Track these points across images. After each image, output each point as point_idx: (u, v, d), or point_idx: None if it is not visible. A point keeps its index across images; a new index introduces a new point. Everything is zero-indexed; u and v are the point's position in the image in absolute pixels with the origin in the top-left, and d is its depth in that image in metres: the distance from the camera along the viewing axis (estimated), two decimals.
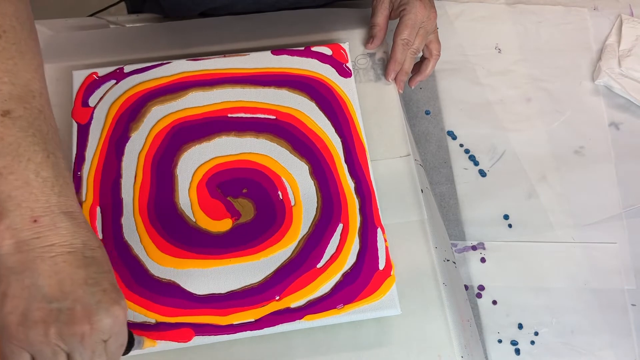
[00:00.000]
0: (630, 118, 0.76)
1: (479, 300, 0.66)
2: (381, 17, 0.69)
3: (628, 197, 0.71)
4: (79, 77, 0.66)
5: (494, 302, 0.66)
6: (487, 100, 0.75)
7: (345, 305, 0.57)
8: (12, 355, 0.41)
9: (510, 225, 0.69)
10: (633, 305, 0.66)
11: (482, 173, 0.72)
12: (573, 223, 0.69)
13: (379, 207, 0.61)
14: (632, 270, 0.68)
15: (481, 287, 0.66)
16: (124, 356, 0.47)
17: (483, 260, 0.67)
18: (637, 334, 0.65)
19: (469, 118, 0.74)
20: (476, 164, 0.72)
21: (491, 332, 0.64)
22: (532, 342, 0.64)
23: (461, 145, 0.73)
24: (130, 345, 0.49)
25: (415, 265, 0.62)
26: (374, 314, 0.58)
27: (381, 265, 0.59)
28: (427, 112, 0.74)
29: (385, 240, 0.60)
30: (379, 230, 0.60)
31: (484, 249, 0.68)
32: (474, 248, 0.68)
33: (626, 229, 0.70)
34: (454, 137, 0.73)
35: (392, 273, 0.59)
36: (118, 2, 1.01)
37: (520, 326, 0.65)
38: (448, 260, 0.64)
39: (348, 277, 0.58)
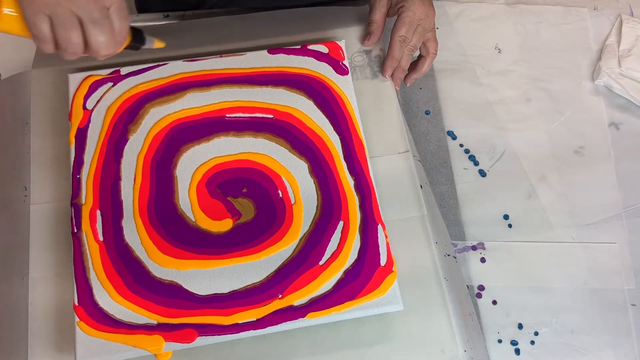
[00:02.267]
0: (630, 118, 0.76)
1: (479, 300, 0.66)
2: (379, 14, 0.69)
3: (628, 197, 0.71)
4: (75, 80, 0.65)
5: (494, 302, 0.66)
6: (487, 100, 0.75)
7: (348, 303, 0.58)
8: (34, 18, 0.49)
9: (510, 225, 0.69)
10: (633, 305, 0.66)
11: (482, 173, 0.72)
12: (573, 223, 0.69)
13: (379, 203, 0.62)
14: (632, 270, 0.68)
15: (481, 287, 0.66)
16: (137, 50, 0.58)
17: (483, 260, 0.67)
18: (637, 334, 0.65)
19: (468, 118, 0.74)
20: (476, 164, 0.72)
21: (491, 332, 0.64)
22: (532, 342, 0.64)
23: (461, 145, 0.73)
24: (139, 40, 0.58)
25: (416, 260, 0.62)
26: (376, 311, 0.58)
27: (383, 262, 0.59)
28: (427, 112, 0.74)
29: (386, 237, 0.60)
30: (379, 226, 0.60)
31: (484, 249, 0.68)
32: (474, 248, 0.68)
33: (626, 229, 0.70)
34: (454, 137, 0.73)
35: (393, 269, 0.59)
36: None
37: (520, 326, 0.65)
38: (449, 255, 0.64)
39: (350, 274, 0.58)
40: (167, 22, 0.76)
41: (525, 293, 0.66)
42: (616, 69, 0.77)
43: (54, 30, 0.50)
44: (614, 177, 0.72)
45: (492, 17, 0.80)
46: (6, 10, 0.50)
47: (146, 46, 0.59)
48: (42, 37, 0.50)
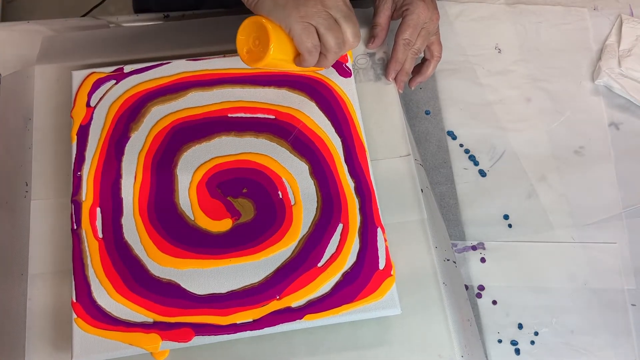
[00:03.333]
0: (630, 118, 0.76)
1: (479, 300, 0.66)
2: (383, 17, 0.69)
3: (628, 197, 0.71)
4: (79, 77, 0.66)
5: (494, 302, 0.66)
6: (487, 100, 0.75)
7: (345, 305, 0.57)
8: (304, 30, 0.56)
9: (510, 225, 0.69)
10: (633, 305, 0.66)
11: (482, 173, 0.72)
12: (573, 223, 0.69)
13: (379, 206, 0.61)
14: (632, 270, 0.68)
15: (481, 287, 0.66)
16: None
17: (483, 260, 0.67)
18: (637, 334, 0.65)
19: (469, 118, 0.74)
20: (476, 164, 0.72)
21: (491, 332, 0.64)
22: (532, 342, 0.64)
23: (461, 145, 0.73)
24: None
25: (415, 264, 0.62)
26: (374, 314, 0.58)
27: (381, 265, 0.59)
28: (427, 112, 0.74)
29: (385, 240, 0.60)
30: (379, 229, 0.60)
31: (484, 249, 0.68)
32: (474, 248, 0.68)
33: (626, 229, 0.70)
34: (454, 137, 0.73)
35: (392, 273, 0.59)
36: (102, 2, 1.00)
37: (520, 326, 0.65)
38: (448, 260, 0.64)
39: (348, 277, 0.58)
40: (170, 21, 0.76)
41: (525, 293, 0.66)
42: (616, 69, 0.77)
43: (321, 37, 0.57)
44: (614, 177, 0.72)
45: (492, 17, 0.80)
46: (272, 47, 0.55)
47: None
48: (314, 47, 0.57)
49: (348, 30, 0.57)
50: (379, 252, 0.59)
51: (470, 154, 0.72)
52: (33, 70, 0.68)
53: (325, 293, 0.58)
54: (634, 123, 0.76)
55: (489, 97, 0.76)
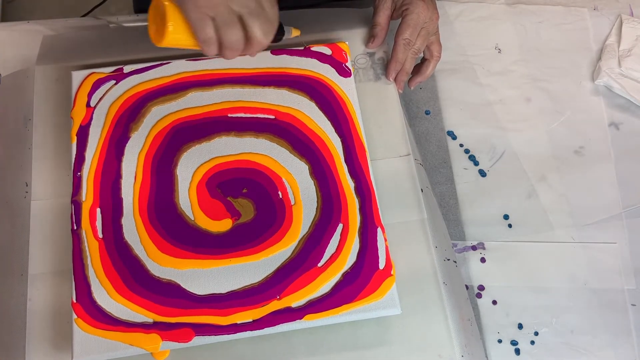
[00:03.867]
0: (630, 118, 0.76)
1: (479, 300, 0.66)
2: (383, 17, 0.69)
3: (628, 197, 0.71)
4: (78, 77, 0.66)
5: (494, 302, 0.66)
6: (487, 100, 0.75)
7: (346, 305, 0.57)
8: (201, 23, 0.51)
9: (510, 225, 0.69)
10: (633, 305, 0.66)
11: (482, 173, 0.72)
12: (573, 223, 0.69)
13: (379, 206, 0.61)
14: (632, 270, 0.68)
15: (481, 287, 0.66)
16: (275, 43, 0.57)
17: (483, 260, 0.67)
18: (637, 334, 0.65)
19: (469, 118, 0.74)
20: (476, 164, 0.72)
21: (491, 332, 0.64)
22: (532, 342, 0.64)
23: (461, 145, 0.73)
24: (280, 32, 0.57)
25: (415, 264, 0.62)
26: (374, 314, 0.58)
27: (381, 265, 0.59)
28: (427, 112, 0.74)
29: (385, 240, 0.60)
30: (379, 229, 0.60)
31: (484, 249, 0.68)
32: (474, 248, 0.68)
33: (626, 229, 0.70)
34: (454, 137, 0.73)
35: (392, 273, 0.59)
36: (102, 2, 1.00)
37: (520, 326, 0.65)
38: (448, 260, 0.64)
39: (348, 277, 0.58)
40: None
41: (525, 293, 0.66)
42: (616, 69, 0.77)
43: (218, 31, 0.52)
44: (614, 177, 0.72)
45: (492, 17, 0.80)
46: (170, 26, 0.52)
47: (286, 36, 0.60)
48: (208, 39, 0.52)
49: (254, 28, 0.53)
50: (379, 252, 0.59)
51: (470, 154, 0.72)
52: (33, 70, 0.68)
53: (325, 293, 0.58)
54: (634, 123, 0.76)
55: (489, 97, 0.76)
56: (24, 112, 0.67)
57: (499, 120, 0.74)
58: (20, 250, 0.61)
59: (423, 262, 0.62)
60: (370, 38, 0.70)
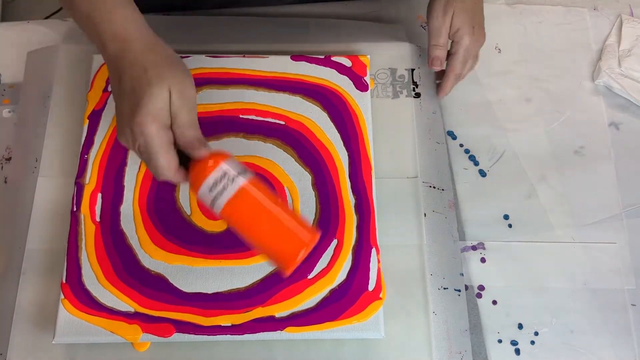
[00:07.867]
0: (630, 118, 0.76)
1: (479, 300, 0.66)
2: (443, 39, 0.68)
3: (628, 197, 0.71)
4: (99, 61, 0.66)
5: (494, 302, 0.66)
6: (487, 100, 0.75)
7: (329, 323, 0.57)
8: (119, 136, 0.51)
9: (510, 225, 0.69)
10: (633, 305, 0.66)
11: (482, 173, 0.72)
12: (573, 223, 0.69)
13: (377, 226, 0.61)
14: (632, 270, 0.68)
15: (481, 287, 0.66)
16: None
17: (483, 260, 0.67)
18: (637, 334, 0.65)
19: (468, 118, 0.74)
20: (476, 164, 0.72)
21: (491, 332, 0.64)
22: (532, 342, 0.64)
23: (461, 145, 0.73)
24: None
25: (406, 290, 0.61)
26: (356, 335, 0.57)
27: (371, 286, 0.58)
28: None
29: (379, 262, 0.59)
30: (373, 250, 0.60)
31: (484, 249, 0.68)
32: (474, 248, 0.68)
33: (626, 229, 0.70)
34: (454, 137, 0.73)
35: (381, 296, 0.58)
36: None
37: (520, 326, 0.65)
38: (446, 289, 0.63)
39: (335, 294, 0.58)
40: (182, 17, 0.76)
41: (525, 293, 0.66)
42: (616, 69, 0.77)
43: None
44: (614, 177, 0.72)
45: (492, 17, 0.80)
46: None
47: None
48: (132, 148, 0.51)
49: (149, 165, 0.50)
50: (370, 272, 0.59)
51: (470, 154, 0.72)
52: (59, 48, 0.69)
53: (310, 307, 0.57)
54: (634, 123, 0.76)
55: (489, 97, 0.76)
56: (45, 89, 0.68)
57: (499, 120, 0.74)
58: (21, 223, 0.62)
59: (415, 289, 0.61)
60: (432, 59, 0.69)
